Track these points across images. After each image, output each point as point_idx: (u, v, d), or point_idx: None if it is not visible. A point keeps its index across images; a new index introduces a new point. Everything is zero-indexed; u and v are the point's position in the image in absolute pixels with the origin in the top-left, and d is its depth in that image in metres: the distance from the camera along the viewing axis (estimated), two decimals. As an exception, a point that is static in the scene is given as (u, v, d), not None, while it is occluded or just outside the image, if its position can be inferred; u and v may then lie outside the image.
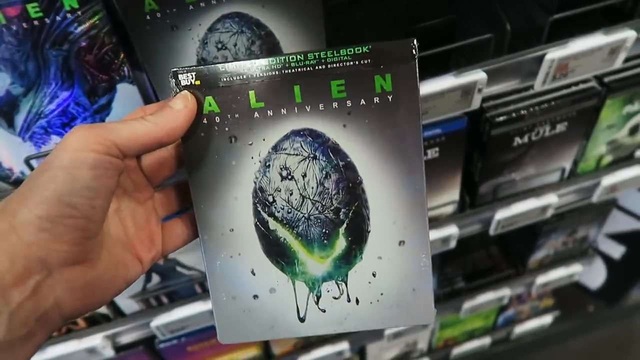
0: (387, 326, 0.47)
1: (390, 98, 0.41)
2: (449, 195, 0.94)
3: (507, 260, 1.34)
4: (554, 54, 0.67)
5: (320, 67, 0.41)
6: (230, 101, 0.42)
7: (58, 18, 0.55)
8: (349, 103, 0.42)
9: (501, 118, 0.82)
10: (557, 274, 1.29)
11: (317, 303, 0.46)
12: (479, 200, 0.97)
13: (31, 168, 0.61)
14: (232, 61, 0.42)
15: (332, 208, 0.44)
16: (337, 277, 0.46)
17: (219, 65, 0.41)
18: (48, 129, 0.61)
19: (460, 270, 1.35)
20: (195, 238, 0.47)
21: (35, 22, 0.54)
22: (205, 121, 0.42)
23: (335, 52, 0.41)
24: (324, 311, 0.46)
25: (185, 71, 0.41)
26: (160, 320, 0.90)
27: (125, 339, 0.93)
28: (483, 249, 1.38)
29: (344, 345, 1.23)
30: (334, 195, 0.44)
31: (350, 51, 0.41)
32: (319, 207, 0.44)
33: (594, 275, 1.63)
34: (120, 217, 0.43)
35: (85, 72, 0.59)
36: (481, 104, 0.82)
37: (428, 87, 0.66)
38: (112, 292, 0.41)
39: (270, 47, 0.59)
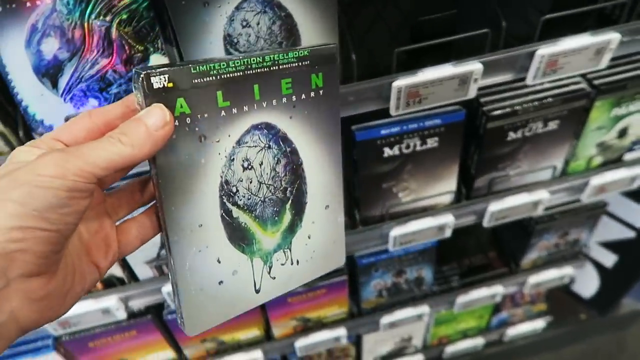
0: (315, 276, 0.58)
1: (321, 92, 0.50)
2: (447, 185, 1.00)
3: (502, 260, 1.40)
4: (544, 50, 0.74)
5: (274, 67, 0.47)
6: (200, 101, 0.43)
7: (105, -8, 0.62)
8: (294, 98, 0.49)
9: (497, 112, 0.89)
10: (548, 275, 1.34)
11: (269, 273, 0.54)
12: (474, 192, 1.03)
13: (69, 126, 0.68)
14: (201, 62, 0.43)
15: (281, 189, 0.51)
16: (284, 246, 0.54)
17: (191, 66, 0.42)
18: (87, 92, 0.69)
19: (457, 269, 1.40)
20: (153, 236, 0.48)
21: (85, -6, 0.62)
22: (177, 123, 0.42)
23: (285, 54, 0.47)
24: (274, 278, 0.55)
25: (158, 74, 0.40)
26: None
27: (138, 304, 0.99)
28: (480, 248, 1.44)
29: (341, 331, 1.28)
30: (282, 177, 0.51)
31: (295, 54, 0.48)
32: (272, 190, 0.51)
33: (587, 283, 1.67)
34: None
35: (123, 43, 0.66)
36: (478, 99, 0.90)
37: (429, 74, 0.73)
38: (70, 301, 0.41)
39: (289, 27, 0.66)
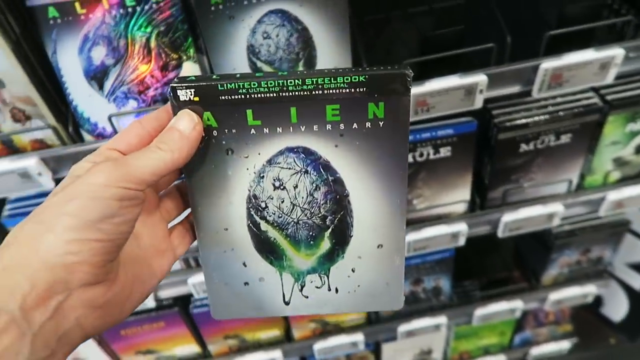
0: (360, 311, 0.54)
1: (381, 124, 0.44)
2: (460, 194, 1.04)
3: (523, 276, 1.40)
4: (548, 64, 0.78)
5: (317, 92, 0.42)
6: (228, 117, 0.43)
7: (146, 7, 0.72)
8: (342, 126, 0.44)
9: (508, 124, 0.93)
10: (570, 293, 1.34)
11: (300, 290, 0.52)
12: (488, 203, 1.06)
13: (112, 124, 0.78)
14: (232, 78, 0.43)
15: (319, 215, 0.48)
16: (320, 271, 0.51)
17: (217, 84, 0.42)
18: (128, 94, 0.78)
19: (476, 282, 1.41)
20: None
21: (129, 9, 0.72)
22: (203, 134, 0.44)
23: (332, 79, 0.42)
24: (307, 297, 0.52)
25: (184, 87, 0.42)
26: (197, 279, 1.03)
27: (166, 294, 1.07)
28: (504, 266, 1.45)
29: (358, 337, 1.32)
30: (322, 204, 0.47)
31: (347, 79, 0.42)
32: (307, 214, 0.48)
33: (617, 306, 1.64)
34: (134, 233, 0.42)
35: (161, 51, 0.76)
36: (490, 110, 0.94)
37: (436, 85, 0.78)
38: (131, 307, 0.42)
39: (305, 39, 0.74)
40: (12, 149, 0.79)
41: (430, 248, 1.08)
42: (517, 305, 1.33)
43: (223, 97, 0.42)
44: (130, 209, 0.38)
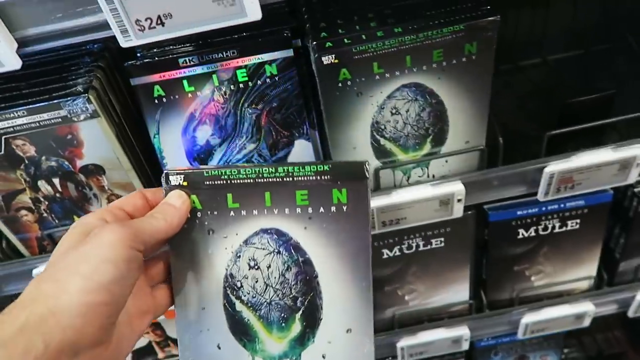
0: None
1: (345, 208, 0.48)
2: (586, 270, 0.91)
3: (635, 347, 1.24)
4: None
5: (287, 179, 0.48)
6: (211, 200, 0.49)
7: (259, 82, 0.64)
8: (310, 210, 0.48)
9: (651, 194, 0.81)
10: (698, 371, 1.17)
11: None
12: (617, 278, 0.93)
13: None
14: (214, 167, 0.48)
15: (290, 296, 0.51)
16: (292, 356, 0.52)
17: (204, 170, 0.49)
18: (232, 175, 0.71)
19: (582, 352, 1.26)
20: None
21: (241, 85, 0.64)
22: (188, 215, 0.48)
23: (301, 167, 0.48)
24: None
25: (175, 173, 0.49)
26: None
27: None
28: (608, 331, 1.29)
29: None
30: (293, 285, 0.50)
31: (313, 168, 0.48)
32: (280, 295, 0.51)
33: None
34: None
35: (271, 128, 0.68)
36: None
37: (585, 159, 0.67)
38: None
39: (438, 113, 0.65)
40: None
41: (550, 330, 0.94)
42: (635, 384, 1.17)
43: (207, 182, 0.48)
44: (135, 271, 0.42)
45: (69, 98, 0.59)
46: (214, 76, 0.64)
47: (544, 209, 0.83)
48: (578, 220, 0.85)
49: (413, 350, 0.94)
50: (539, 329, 0.94)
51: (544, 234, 0.86)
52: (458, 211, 0.71)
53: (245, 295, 0.51)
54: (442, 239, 0.84)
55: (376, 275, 0.87)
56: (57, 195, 0.68)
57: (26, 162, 0.65)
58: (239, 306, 0.51)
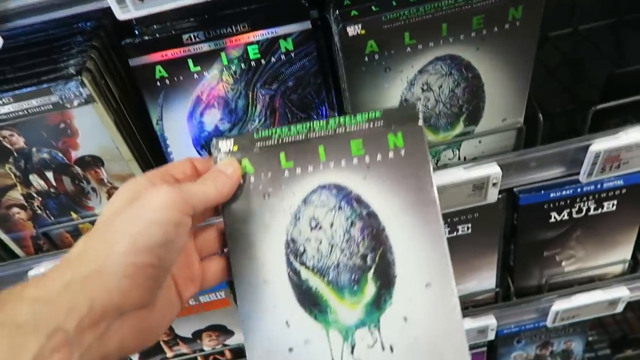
0: None
1: (402, 153, 0.46)
2: (621, 254, 0.86)
3: (662, 330, 1.20)
4: None
5: (340, 130, 0.47)
6: (263, 162, 0.47)
7: (273, 59, 0.57)
8: (367, 159, 0.47)
9: (695, 172, 0.74)
10: None
11: (352, 353, 0.47)
12: (653, 261, 0.87)
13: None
14: (263, 129, 0.48)
15: (359, 254, 0.47)
16: (370, 323, 0.47)
17: (253, 133, 0.47)
18: (244, 163, 0.64)
19: (605, 335, 1.22)
20: (230, 277, 0.49)
21: (253, 63, 0.57)
22: (241, 181, 0.47)
23: (352, 117, 0.47)
24: None
25: (225, 139, 0.48)
26: None
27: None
28: (631, 312, 1.25)
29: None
30: (360, 242, 0.47)
31: (365, 116, 0.47)
32: (347, 254, 0.47)
33: None
34: None
35: (287, 111, 0.61)
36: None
37: (633, 135, 0.61)
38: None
39: (474, 89, 0.58)
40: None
41: (581, 317, 0.89)
42: (662, 368, 1.13)
43: (258, 144, 0.47)
44: (182, 236, 0.40)
45: (60, 82, 0.52)
46: (222, 54, 0.57)
47: (579, 190, 0.77)
48: (615, 202, 0.79)
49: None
50: (570, 317, 0.89)
51: (577, 217, 0.80)
52: (493, 196, 0.65)
53: (310, 260, 0.47)
54: (469, 225, 0.78)
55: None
56: (52, 190, 0.61)
57: (15, 155, 0.58)
58: (304, 274, 0.47)
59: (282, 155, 0.47)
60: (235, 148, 0.47)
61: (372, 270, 0.47)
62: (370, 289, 0.47)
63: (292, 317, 0.47)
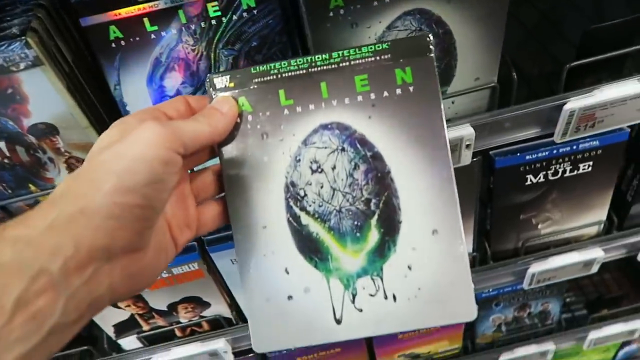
0: (427, 325, 0.46)
1: (411, 89, 0.43)
2: (596, 215, 0.86)
3: (639, 289, 1.22)
4: None
5: (344, 64, 0.44)
6: (262, 100, 0.45)
7: (234, 17, 0.54)
8: (372, 96, 0.44)
9: (670, 130, 0.74)
10: (699, 309, 1.15)
11: (353, 302, 0.45)
12: (628, 221, 0.88)
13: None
14: (262, 64, 0.45)
15: (362, 199, 0.45)
16: (372, 271, 0.45)
17: (251, 68, 0.45)
18: (210, 129, 0.61)
19: (582, 297, 1.24)
20: (226, 223, 0.48)
21: (213, 22, 0.54)
22: (238, 120, 0.45)
23: (357, 49, 0.43)
24: (361, 310, 0.45)
25: (221, 75, 0.45)
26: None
27: (246, 344, 0.92)
28: (607, 273, 1.27)
29: (453, 370, 1.16)
30: (363, 186, 0.45)
31: (371, 48, 0.43)
32: (350, 199, 0.45)
33: None
34: None
35: (252, 72, 0.58)
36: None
37: (609, 93, 0.60)
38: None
39: (445, 46, 0.56)
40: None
41: (557, 279, 0.90)
42: (636, 326, 1.15)
43: (256, 80, 0.45)
44: (172, 175, 0.39)
45: (2, 42, 0.48)
46: (180, 12, 0.54)
47: (555, 152, 0.76)
48: (591, 163, 0.78)
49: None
50: (546, 279, 0.90)
51: (553, 179, 0.79)
52: (466, 158, 0.63)
53: (310, 205, 0.45)
54: (445, 190, 0.77)
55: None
56: (6, 161, 0.58)
57: (-38, 124, 0.55)
58: (304, 219, 0.45)
59: (281, 92, 0.44)
60: (232, 84, 0.45)
61: (375, 216, 0.45)
62: (373, 236, 0.45)
63: (291, 264, 0.45)
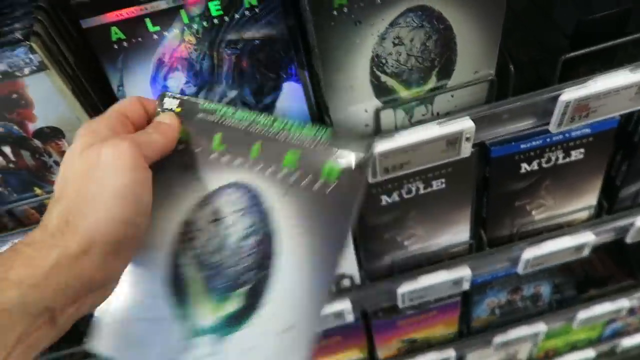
0: None
1: (328, 190, 0.43)
2: (587, 200, 0.88)
3: (624, 270, 1.26)
4: None
5: (282, 136, 0.45)
6: (199, 135, 0.47)
7: (237, 16, 0.54)
8: (293, 177, 0.44)
9: (658, 117, 0.76)
10: (682, 286, 1.20)
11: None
12: (617, 205, 0.90)
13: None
14: (214, 102, 0.51)
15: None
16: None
17: (201, 102, 0.49)
18: (213, 127, 0.62)
19: (570, 277, 1.27)
20: None
21: (215, 20, 0.54)
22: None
23: (300, 127, 0.45)
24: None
25: (172, 97, 0.50)
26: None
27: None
28: (595, 254, 1.30)
29: (450, 352, 1.19)
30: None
31: (312, 131, 0.44)
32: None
33: None
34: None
35: (255, 71, 0.58)
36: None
37: (603, 84, 0.61)
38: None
39: (445, 42, 0.57)
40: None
41: (550, 263, 0.93)
42: (622, 304, 1.20)
43: (200, 115, 0.48)
44: (148, 188, 0.42)
45: (6, 48, 0.48)
46: (182, 11, 0.53)
47: (548, 140, 0.78)
48: (582, 150, 0.80)
49: (414, 295, 0.91)
50: (540, 263, 0.92)
51: (546, 167, 0.81)
52: (466, 150, 0.65)
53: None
54: (443, 180, 0.79)
55: (374, 223, 0.82)
56: (11, 165, 0.58)
57: (-35, 130, 0.54)
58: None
59: (217, 136, 0.46)
60: (179, 109, 0.48)
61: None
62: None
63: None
